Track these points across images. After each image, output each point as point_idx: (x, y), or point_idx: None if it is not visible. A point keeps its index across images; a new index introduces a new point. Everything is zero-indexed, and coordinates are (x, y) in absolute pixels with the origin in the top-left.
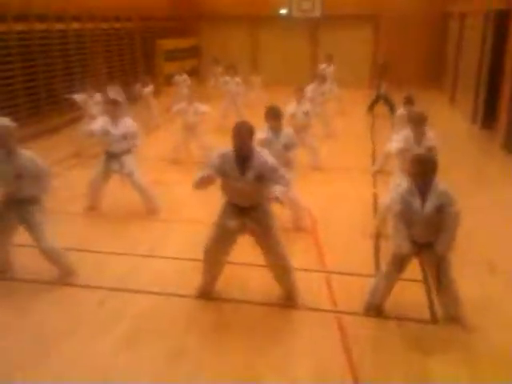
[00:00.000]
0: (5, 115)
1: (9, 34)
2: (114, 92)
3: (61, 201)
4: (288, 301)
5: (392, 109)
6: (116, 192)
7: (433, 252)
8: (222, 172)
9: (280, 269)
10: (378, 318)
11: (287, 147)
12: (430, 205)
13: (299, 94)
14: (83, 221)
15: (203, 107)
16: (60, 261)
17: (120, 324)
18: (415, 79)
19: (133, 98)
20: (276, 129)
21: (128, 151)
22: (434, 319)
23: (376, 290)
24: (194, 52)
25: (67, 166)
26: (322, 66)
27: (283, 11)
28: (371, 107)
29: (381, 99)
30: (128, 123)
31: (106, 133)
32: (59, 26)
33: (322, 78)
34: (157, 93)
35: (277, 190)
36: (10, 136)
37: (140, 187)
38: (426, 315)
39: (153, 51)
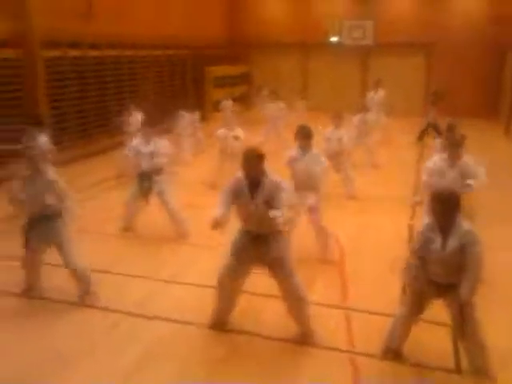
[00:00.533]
0: (56, 136)
1: (63, 60)
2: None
3: (97, 221)
4: (303, 337)
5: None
6: (153, 213)
7: (455, 295)
8: (235, 196)
9: (294, 301)
10: (395, 363)
11: (316, 167)
12: (452, 244)
13: (337, 120)
14: (115, 241)
15: (238, 131)
16: (82, 280)
17: (132, 348)
18: (469, 108)
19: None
20: (305, 148)
21: (160, 171)
22: (458, 368)
23: (394, 331)
24: (244, 79)
25: (107, 187)
26: (370, 93)
27: (334, 39)
28: (421, 136)
29: (430, 127)
30: (159, 143)
31: (137, 152)
32: (112, 52)
33: (365, 108)
34: (205, 118)
35: (276, 213)
36: (43, 157)
37: (170, 209)
38: (450, 363)
39: (202, 78)
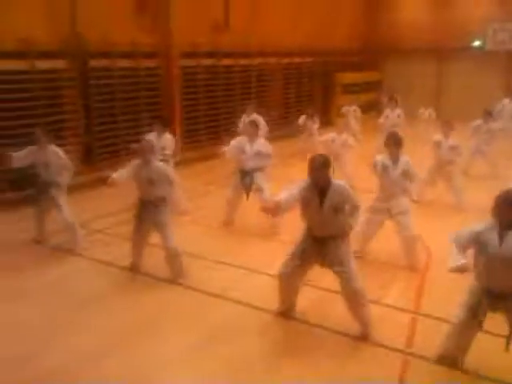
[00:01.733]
0: (189, 137)
1: (198, 68)
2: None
3: (205, 215)
4: (361, 334)
5: None
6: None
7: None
8: (303, 201)
9: (353, 302)
10: (448, 369)
11: (405, 175)
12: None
13: (446, 127)
14: (215, 233)
15: (350, 140)
16: (176, 261)
17: (202, 325)
18: None
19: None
20: (395, 156)
21: (260, 169)
22: None
23: (450, 336)
24: (375, 85)
25: (220, 185)
26: (506, 101)
27: (477, 43)
28: None
29: None
30: (262, 143)
31: (241, 150)
32: (243, 61)
33: (488, 115)
34: (330, 124)
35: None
36: (150, 150)
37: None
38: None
39: (331, 84)
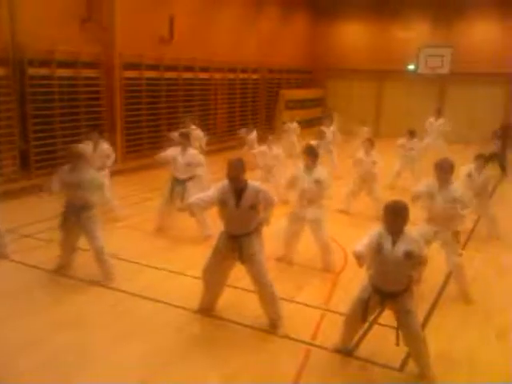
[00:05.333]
0: (132, 147)
1: (141, 80)
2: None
3: (139, 221)
4: (270, 327)
5: (503, 169)
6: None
7: (396, 304)
8: (221, 201)
9: (264, 296)
10: (344, 357)
11: (317, 182)
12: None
13: (367, 144)
14: (148, 238)
15: (281, 154)
16: (104, 262)
17: (124, 321)
18: None
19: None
20: (310, 166)
21: (192, 178)
22: (402, 368)
23: (343, 328)
24: (318, 102)
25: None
26: (431, 119)
27: (410, 67)
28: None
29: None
30: (192, 154)
31: (174, 159)
32: (187, 75)
33: (411, 134)
34: (276, 138)
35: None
36: (78, 156)
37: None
38: (397, 363)
39: (276, 100)
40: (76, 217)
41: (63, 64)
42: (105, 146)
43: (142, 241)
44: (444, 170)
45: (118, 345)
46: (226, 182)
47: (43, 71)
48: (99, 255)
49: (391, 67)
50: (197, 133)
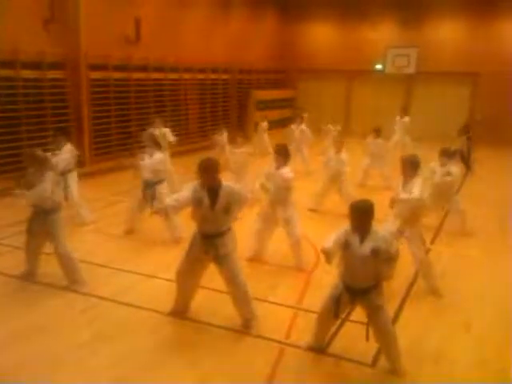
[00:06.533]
0: (100, 149)
1: (109, 81)
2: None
3: (108, 224)
4: (244, 327)
5: (467, 166)
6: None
7: (366, 300)
8: (194, 201)
9: (238, 297)
10: (317, 354)
11: (284, 182)
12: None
13: (338, 144)
14: (117, 241)
15: (247, 148)
16: (70, 268)
17: (95, 325)
18: None
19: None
20: (279, 165)
21: (161, 181)
22: (374, 363)
23: (315, 325)
24: (289, 103)
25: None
26: (397, 117)
27: (378, 67)
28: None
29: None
30: (158, 158)
31: (142, 164)
32: (156, 75)
33: (376, 132)
34: (247, 139)
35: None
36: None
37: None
38: (369, 359)
39: (247, 101)
40: (42, 220)
41: (28, 65)
42: (69, 148)
43: (111, 244)
44: (409, 166)
45: (90, 349)
46: (196, 182)
47: (7, 72)
48: (63, 260)
49: (360, 67)
50: (163, 131)
